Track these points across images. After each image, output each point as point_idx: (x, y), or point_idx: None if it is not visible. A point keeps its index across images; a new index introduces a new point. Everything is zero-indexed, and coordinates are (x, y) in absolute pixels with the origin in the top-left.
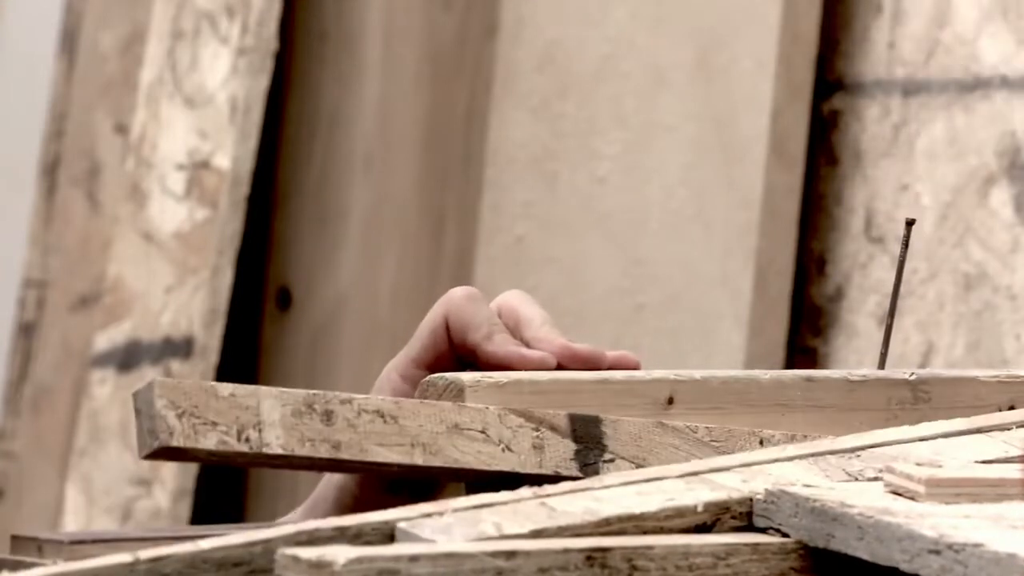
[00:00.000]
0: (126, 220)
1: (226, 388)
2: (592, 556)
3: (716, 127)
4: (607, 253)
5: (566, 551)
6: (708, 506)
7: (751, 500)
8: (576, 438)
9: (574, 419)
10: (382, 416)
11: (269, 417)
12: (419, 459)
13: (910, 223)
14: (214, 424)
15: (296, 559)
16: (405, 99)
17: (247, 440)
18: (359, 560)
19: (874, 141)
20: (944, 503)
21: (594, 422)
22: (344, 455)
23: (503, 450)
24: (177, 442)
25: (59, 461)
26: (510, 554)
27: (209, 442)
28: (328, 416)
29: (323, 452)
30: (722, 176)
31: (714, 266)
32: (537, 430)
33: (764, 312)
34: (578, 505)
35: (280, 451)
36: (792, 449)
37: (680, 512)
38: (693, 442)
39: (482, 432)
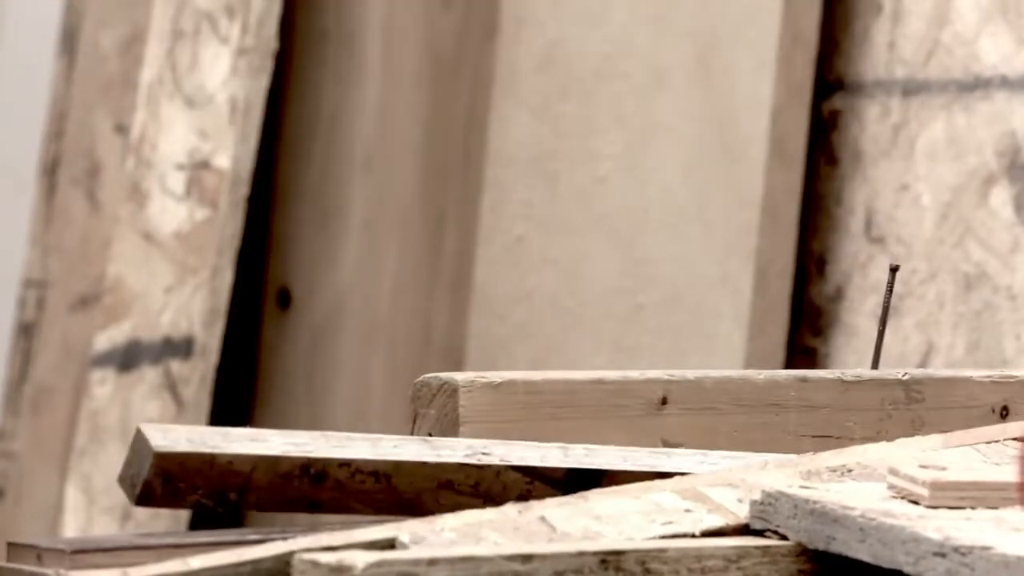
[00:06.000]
0: (126, 220)
1: (226, 456)
2: (606, 560)
3: (716, 127)
4: (607, 253)
5: (581, 554)
6: (705, 532)
7: (747, 526)
8: (566, 491)
9: (571, 473)
10: (376, 477)
11: (258, 483)
12: (394, 512)
13: (894, 269)
14: (197, 489)
15: (315, 563)
16: (405, 99)
17: (225, 502)
18: (379, 564)
19: (874, 141)
20: (948, 506)
21: (594, 476)
22: (321, 511)
23: (485, 502)
24: (152, 504)
25: (59, 461)
26: (526, 558)
27: (186, 504)
28: (319, 478)
29: (300, 509)
30: (722, 176)
31: (714, 266)
32: (530, 483)
33: (764, 312)
34: (577, 525)
35: (255, 509)
36: (776, 466)
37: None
38: None
39: (472, 487)
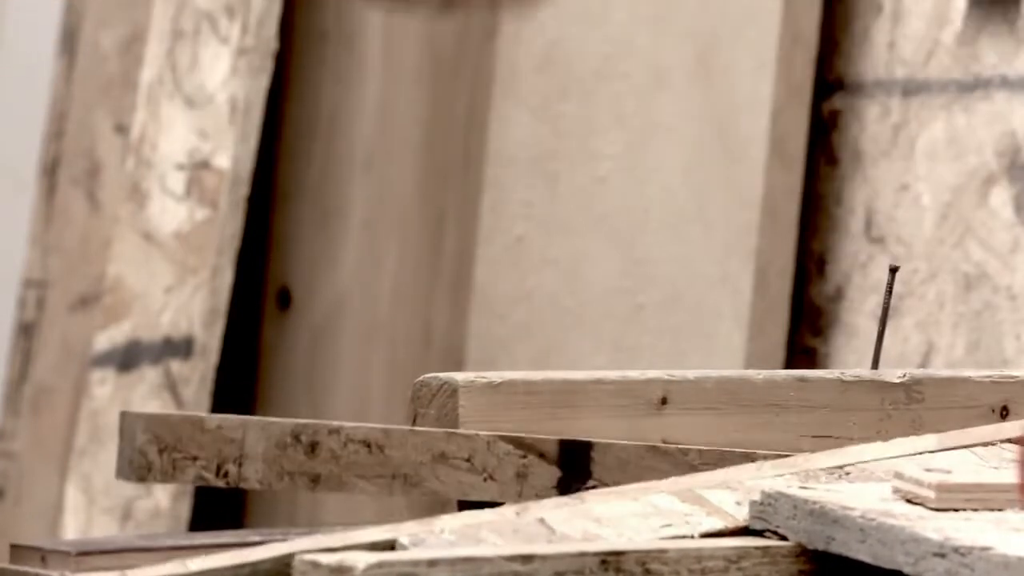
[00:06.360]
0: (126, 220)
1: (213, 420)
2: (607, 560)
3: (716, 127)
4: (607, 253)
5: (581, 555)
6: (704, 535)
7: (745, 528)
8: (562, 465)
9: (564, 445)
10: (368, 446)
11: (252, 451)
12: (398, 491)
13: (894, 270)
14: (195, 459)
15: (315, 564)
16: (405, 99)
17: (225, 475)
18: (379, 565)
19: (874, 141)
20: (954, 508)
21: (584, 447)
22: (323, 488)
23: (485, 479)
24: (154, 479)
25: (59, 461)
26: (527, 558)
27: (187, 477)
28: (313, 448)
29: (302, 485)
30: (722, 176)
31: (714, 266)
32: (524, 457)
33: (764, 312)
34: (576, 526)
35: (257, 485)
36: (772, 468)
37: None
38: (683, 466)
39: (467, 460)
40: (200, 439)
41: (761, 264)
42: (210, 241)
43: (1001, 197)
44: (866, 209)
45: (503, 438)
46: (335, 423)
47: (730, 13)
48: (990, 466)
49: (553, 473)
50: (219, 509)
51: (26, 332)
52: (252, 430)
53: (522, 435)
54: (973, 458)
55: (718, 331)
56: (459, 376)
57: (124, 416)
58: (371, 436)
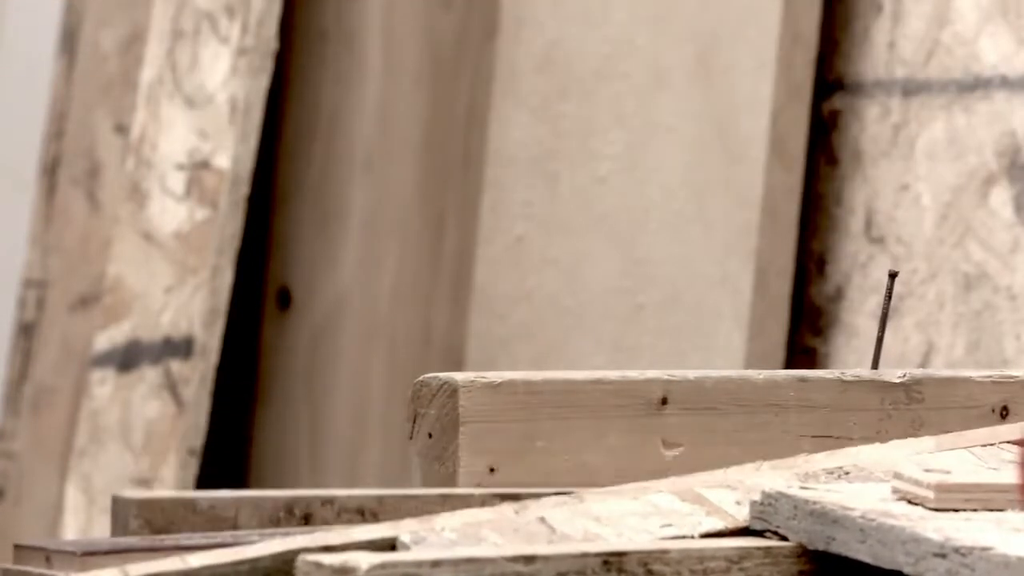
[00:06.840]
0: (126, 220)
1: (206, 501)
2: (609, 560)
3: (716, 127)
4: (607, 253)
5: (584, 555)
6: (704, 535)
7: (745, 528)
8: None
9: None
10: (362, 514)
11: (246, 527)
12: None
13: (893, 275)
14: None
15: (319, 565)
16: (405, 99)
17: None
18: (382, 565)
19: (874, 141)
20: (954, 509)
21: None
22: None
23: None
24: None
25: (59, 461)
26: (529, 559)
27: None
28: (306, 519)
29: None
30: (722, 176)
31: (714, 266)
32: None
33: (764, 312)
34: (577, 526)
35: None
36: (772, 468)
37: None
38: None
39: None
40: (193, 520)
41: (761, 264)
42: (210, 241)
43: (1001, 197)
44: (866, 209)
45: (499, 495)
46: (328, 493)
47: (730, 13)
48: (989, 467)
49: None
50: None
51: (26, 332)
52: (245, 507)
53: (517, 490)
54: (972, 458)
55: (718, 331)
56: (459, 376)
57: (116, 500)
58: (365, 504)
